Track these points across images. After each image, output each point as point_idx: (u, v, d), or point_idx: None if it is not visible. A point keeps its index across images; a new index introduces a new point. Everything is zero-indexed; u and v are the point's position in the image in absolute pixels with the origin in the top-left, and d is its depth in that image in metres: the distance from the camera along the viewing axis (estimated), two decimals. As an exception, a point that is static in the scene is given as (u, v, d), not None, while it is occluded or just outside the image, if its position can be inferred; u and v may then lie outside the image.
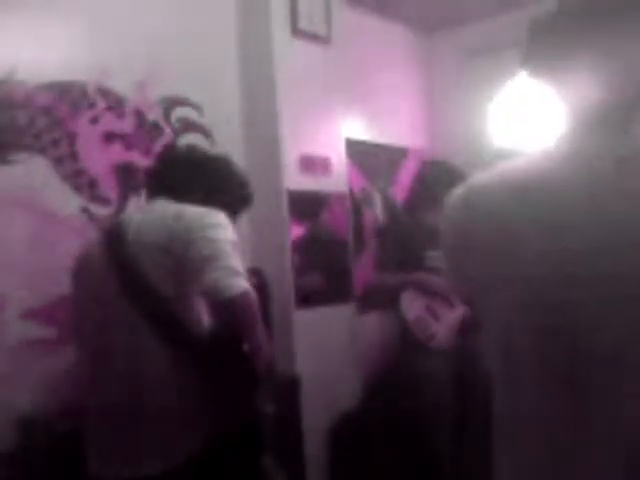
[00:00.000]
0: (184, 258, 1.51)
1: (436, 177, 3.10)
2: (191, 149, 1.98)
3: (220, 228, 1.55)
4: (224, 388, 1.54)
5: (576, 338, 0.82)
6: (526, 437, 0.87)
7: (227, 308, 1.47)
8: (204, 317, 1.57)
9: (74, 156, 2.38)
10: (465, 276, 0.97)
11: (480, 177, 0.96)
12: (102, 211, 2.44)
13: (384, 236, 3.30)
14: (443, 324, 2.94)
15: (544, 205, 0.86)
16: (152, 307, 1.53)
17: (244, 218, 2.93)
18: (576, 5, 0.89)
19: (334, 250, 3.10)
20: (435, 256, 3.00)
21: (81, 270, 1.75)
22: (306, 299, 2.92)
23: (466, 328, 2.89)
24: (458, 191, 0.97)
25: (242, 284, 1.47)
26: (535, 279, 0.85)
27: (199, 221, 1.54)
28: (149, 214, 1.66)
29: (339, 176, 3.14)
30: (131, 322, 1.54)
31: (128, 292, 1.55)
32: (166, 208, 1.62)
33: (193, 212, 1.58)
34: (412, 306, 2.97)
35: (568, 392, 0.83)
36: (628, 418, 0.79)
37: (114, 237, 1.64)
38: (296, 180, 2.92)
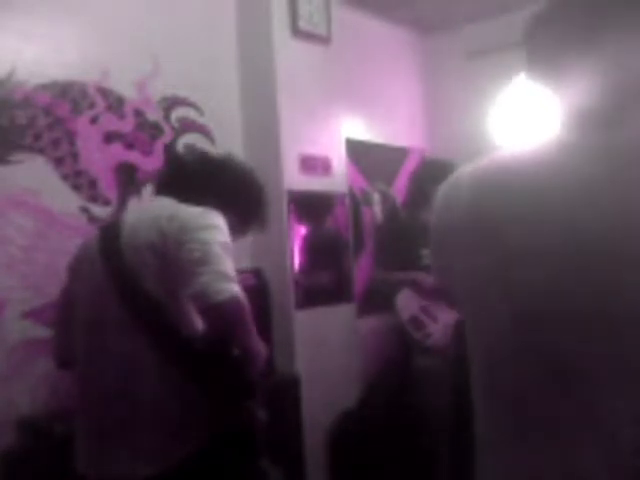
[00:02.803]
0: (176, 259, 1.48)
1: (433, 176, 3.10)
2: (211, 156, 1.95)
3: (213, 229, 1.51)
4: (213, 392, 1.53)
5: (565, 329, 0.82)
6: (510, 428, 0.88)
7: (216, 313, 1.44)
8: (196, 320, 1.54)
9: (74, 156, 2.38)
10: (447, 268, 0.98)
11: (465, 168, 0.97)
12: (102, 211, 2.44)
13: (382, 235, 3.30)
14: (439, 323, 2.95)
15: (527, 194, 0.86)
16: (142, 308, 1.52)
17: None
18: (568, 11, 0.91)
19: (334, 250, 3.10)
20: None
21: (76, 267, 1.74)
22: (306, 299, 2.92)
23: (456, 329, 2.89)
24: (445, 183, 0.99)
25: (232, 289, 1.43)
26: (516, 269, 0.85)
27: (192, 222, 1.51)
28: (145, 213, 1.65)
29: (339, 176, 3.14)
30: (121, 322, 1.53)
31: (119, 292, 1.54)
32: (163, 208, 1.61)
33: (187, 212, 1.55)
34: (407, 306, 2.98)
35: (553, 382, 0.83)
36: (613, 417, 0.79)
37: (108, 236, 1.63)
38: (296, 180, 2.93)
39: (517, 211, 0.86)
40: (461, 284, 0.95)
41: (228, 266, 1.46)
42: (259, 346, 1.51)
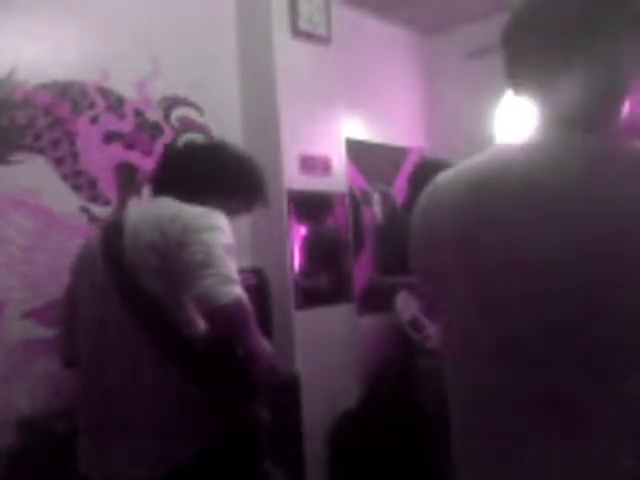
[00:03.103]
0: (178, 260, 1.48)
1: (432, 176, 3.09)
2: (203, 145, 1.92)
3: (216, 231, 1.50)
4: (214, 392, 1.52)
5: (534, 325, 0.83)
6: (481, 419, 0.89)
7: (220, 316, 1.43)
8: (198, 320, 1.54)
9: (74, 156, 2.38)
10: (425, 270, 0.99)
11: (445, 172, 1.00)
12: (102, 211, 2.44)
13: (382, 236, 3.30)
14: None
15: (495, 196, 0.88)
16: (143, 308, 1.52)
17: (244, 217, 2.94)
18: (547, 17, 0.92)
19: (334, 250, 3.10)
20: None
21: (78, 267, 1.74)
22: (306, 299, 2.92)
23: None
24: (426, 188, 1.02)
25: (235, 291, 1.43)
26: (484, 269, 0.87)
27: (195, 223, 1.50)
28: (147, 213, 1.64)
29: (339, 176, 3.14)
30: (122, 321, 1.53)
31: (120, 291, 1.54)
32: (166, 208, 1.60)
33: (190, 213, 1.54)
34: (407, 307, 2.98)
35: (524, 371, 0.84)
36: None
37: (110, 236, 1.63)
38: (296, 180, 2.92)
39: (503, 212, 0.87)
40: (445, 288, 0.96)
41: (231, 268, 1.46)
42: (263, 346, 1.51)
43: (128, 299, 1.53)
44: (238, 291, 1.44)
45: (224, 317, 1.43)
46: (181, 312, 1.52)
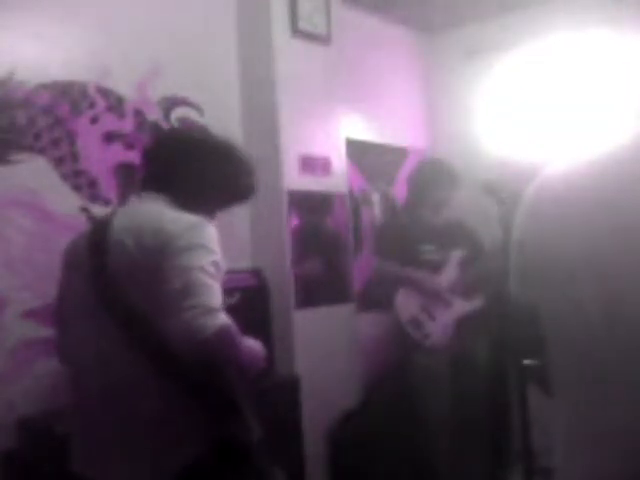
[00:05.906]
0: (157, 282, 1.40)
1: (432, 176, 3.10)
2: (187, 131, 1.82)
3: (199, 250, 1.41)
4: (201, 407, 1.48)
5: None
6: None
7: (203, 349, 1.34)
8: None
9: (74, 156, 2.38)
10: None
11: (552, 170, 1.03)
12: (102, 211, 2.43)
13: (381, 236, 3.28)
14: (438, 323, 2.94)
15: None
16: (127, 323, 1.47)
17: (244, 218, 2.95)
18: None
19: (334, 250, 3.10)
20: (430, 249, 2.99)
21: (67, 265, 1.70)
22: (306, 299, 2.92)
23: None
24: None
25: (216, 321, 1.33)
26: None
27: (175, 244, 1.41)
28: (132, 221, 1.55)
29: (339, 176, 3.14)
30: (107, 334, 1.49)
31: (104, 304, 1.50)
32: (150, 217, 1.52)
33: (171, 229, 1.44)
34: (406, 306, 2.97)
35: None
36: None
37: (96, 244, 1.57)
38: (296, 180, 2.92)
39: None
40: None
41: (213, 294, 1.38)
42: (250, 354, 1.47)
43: (111, 312, 1.49)
44: (218, 320, 1.35)
45: (208, 349, 1.35)
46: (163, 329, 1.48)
